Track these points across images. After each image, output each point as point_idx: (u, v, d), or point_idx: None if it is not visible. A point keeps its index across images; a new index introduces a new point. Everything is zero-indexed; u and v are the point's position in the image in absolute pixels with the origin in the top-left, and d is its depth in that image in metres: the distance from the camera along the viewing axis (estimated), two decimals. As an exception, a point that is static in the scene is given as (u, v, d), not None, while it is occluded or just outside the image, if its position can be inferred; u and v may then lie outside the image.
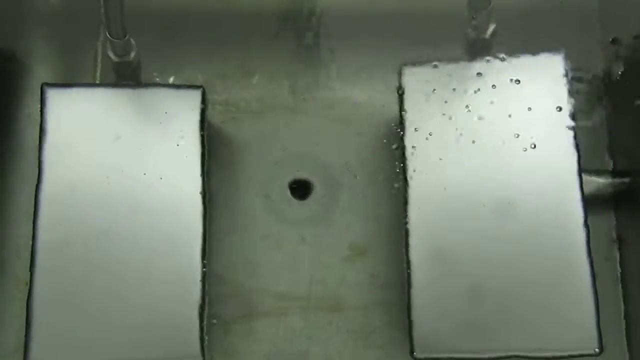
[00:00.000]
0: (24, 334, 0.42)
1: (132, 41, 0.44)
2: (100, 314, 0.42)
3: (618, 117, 0.52)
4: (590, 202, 0.46)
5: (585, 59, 0.53)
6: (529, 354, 0.40)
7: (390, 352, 0.48)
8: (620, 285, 0.49)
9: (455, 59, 0.45)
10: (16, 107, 0.52)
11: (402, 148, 0.44)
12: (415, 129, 0.44)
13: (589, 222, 0.43)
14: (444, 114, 0.44)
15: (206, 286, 0.43)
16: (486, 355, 0.41)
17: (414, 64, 0.45)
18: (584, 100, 0.52)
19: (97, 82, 0.52)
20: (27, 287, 0.43)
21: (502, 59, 0.44)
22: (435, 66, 0.45)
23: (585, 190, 0.45)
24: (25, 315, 0.42)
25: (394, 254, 0.48)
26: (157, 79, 0.52)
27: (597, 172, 0.49)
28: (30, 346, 0.41)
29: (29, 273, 0.42)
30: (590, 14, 0.54)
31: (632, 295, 0.49)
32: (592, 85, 0.53)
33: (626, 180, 0.49)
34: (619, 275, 0.50)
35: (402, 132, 0.44)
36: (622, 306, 0.49)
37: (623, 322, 0.49)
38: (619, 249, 0.50)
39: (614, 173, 0.50)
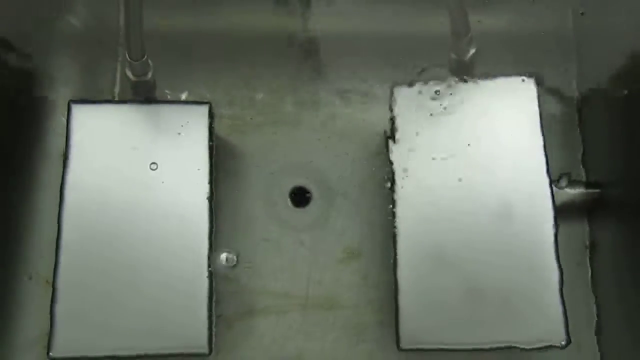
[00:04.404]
0: (44, 325, 0.44)
1: (150, 62, 0.46)
2: (116, 309, 0.43)
3: (592, 135, 0.53)
4: (565, 211, 0.49)
5: (561, 80, 0.55)
6: (504, 345, 0.42)
7: (381, 346, 0.50)
8: (591, 288, 0.51)
9: (440, 80, 0.47)
10: (41, 120, 0.53)
11: (391, 161, 0.45)
12: (404, 143, 0.46)
13: (563, 230, 0.44)
14: (429, 130, 0.46)
15: (213, 285, 0.44)
16: (465, 347, 0.42)
17: (403, 84, 0.47)
18: (561, 119, 0.54)
19: (115, 98, 0.54)
20: (48, 284, 0.45)
21: (481, 81, 0.46)
22: (423, 86, 0.46)
23: (560, 200, 0.47)
24: (45, 309, 0.44)
25: (385, 257, 0.50)
26: (169, 96, 0.53)
27: (572, 184, 0.51)
28: (54, 335, 0.43)
29: (50, 271, 0.44)
30: (567, 38, 0.56)
31: (602, 298, 0.51)
32: (568, 105, 0.55)
33: (598, 191, 0.51)
34: (589, 279, 0.51)
35: (391, 146, 0.46)
36: (594, 308, 0.51)
37: (594, 321, 0.51)
38: (591, 254, 0.52)
39: (587, 184, 0.52)
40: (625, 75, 0.49)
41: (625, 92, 0.48)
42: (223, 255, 0.49)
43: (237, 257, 0.50)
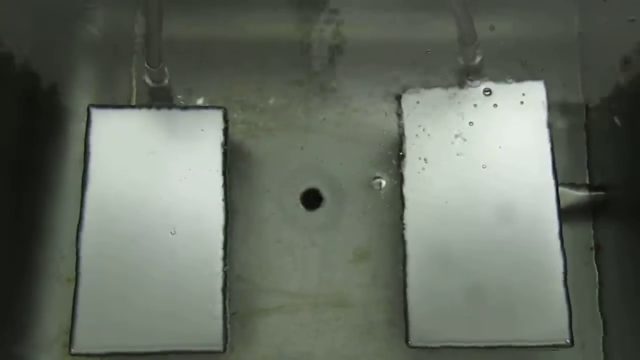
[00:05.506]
0: (64, 324, 0.45)
1: (166, 69, 0.46)
2: (134, 307, 0.44)
3: (596, 139, 0.54)
4: (571, 213, 0.49)
5: (566, 85, 0.55)
6: (510, 344, 0.43)
7: (389, 344, 0.51)
8: (597, 288, 0.52)
9: (447, 86, 0.47)
10: (60, 125, 0.54)
11: (400, 163, 0.46)
12: (412, 147, 0.46)
13: (569, 232, 0.45)
14: (437, 134, 0.46)
15: (227, 284, 0.45)
16: (472, 345, 0.43)
17: (411, 90, 0.47)
18: (566, 123, 0.55)
19: (132, 103, 0.54)
20: (69, 283, 0.46)
21: (489, 88, 0.47)
22: (430, 92, 0.47)
23: (566, 202, 0.48)
24: (65, 308, 0.45)
25: (393, 257, 0.51)
26: (183, 101, 0.54)
27: (577, 187, 0.52)
28: (75, 332, 0.44)
29: (71, 272, 0.45)
30: (570, 43, 0.56)
31: (607, 297, 0.51)
32: (572, 110, 0.55)
33: (602, 194, 0.52)
34: (595, 279, 0.52)
35: (400, 149, 0.47)
36: (599, 308, 0.51)
37: (599, 322, 0.51)
38: (596, 255, 0.52)
39: (591, 187, 0.52)
40: (629, 79, 0.49)
41: (630, 96, 0.49)
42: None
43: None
